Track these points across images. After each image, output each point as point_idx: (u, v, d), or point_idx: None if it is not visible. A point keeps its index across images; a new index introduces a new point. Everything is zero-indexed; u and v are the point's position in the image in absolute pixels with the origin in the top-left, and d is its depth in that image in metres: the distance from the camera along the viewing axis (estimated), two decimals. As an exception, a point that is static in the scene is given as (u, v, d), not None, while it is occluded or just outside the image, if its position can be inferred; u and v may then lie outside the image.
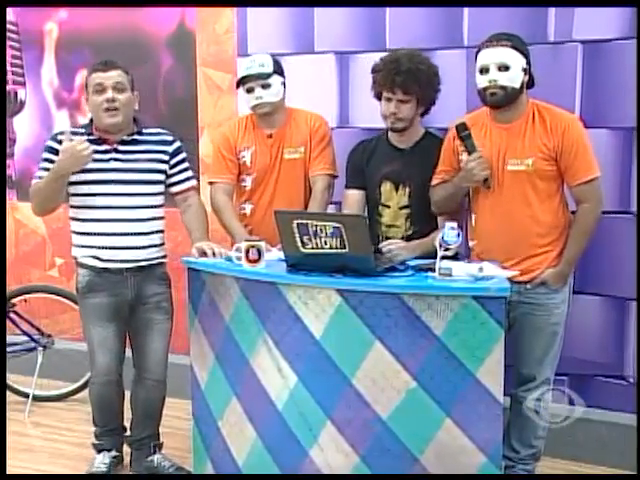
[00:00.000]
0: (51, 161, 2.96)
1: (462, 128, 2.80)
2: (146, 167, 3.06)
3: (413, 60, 2.98)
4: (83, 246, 3.08)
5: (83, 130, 3.04)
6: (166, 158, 3.11)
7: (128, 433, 3.34)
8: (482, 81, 2.78)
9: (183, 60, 4.04)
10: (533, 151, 2.77)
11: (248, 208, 3.39)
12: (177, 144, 3.16)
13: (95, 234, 3.04)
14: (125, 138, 3.04)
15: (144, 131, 3.10)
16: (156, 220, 3.12)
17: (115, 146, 3.03)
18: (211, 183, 3.40)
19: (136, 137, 3.07)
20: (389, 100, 3.02)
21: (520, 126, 2.80)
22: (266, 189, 3.34)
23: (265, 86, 3.20)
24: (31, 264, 4.55)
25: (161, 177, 3.11)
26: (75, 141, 2.87)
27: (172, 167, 3.13)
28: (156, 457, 3.26)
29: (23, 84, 4.47)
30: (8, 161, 4.58)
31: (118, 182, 3.01)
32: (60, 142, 2.94)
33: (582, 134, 2.79)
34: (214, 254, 2.90)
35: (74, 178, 2.97)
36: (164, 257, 3.19)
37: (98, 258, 3.04)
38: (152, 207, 3.09)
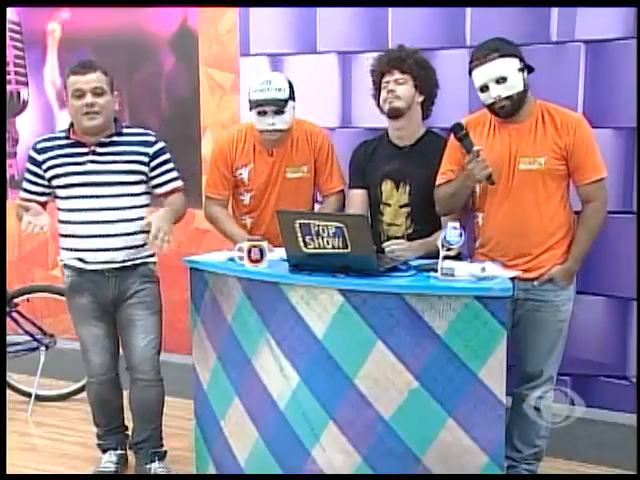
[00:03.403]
0: (32, 172, 3.04)
1: (459, 128, 2.78)
2: (124, 168, 3.01)
3: (404, 46, 3.11)
4: (66, 248, 3.09)
5: (63, 134, 3.04)
6: (146, 160, 3.05)
7: (130, 432, 3.34)
8: (486, 98, 2.79)
9: (185, 60, 4.04)
10: (545, 150, 2.77)
11: (248, 221, 3.35)
12: (159, 145, 3.09)
13: (76, 236, 3.03)
14: (103, 140, 3.00)
15: (124, 131, 3.06)
16: (138, 220, 3.01)
17: (93, 148, 3.00)
18: (206, 196, 3.36)
19: (115, 138, 3.02)
20: (387, 83, 3.06)
21: (530, 125, 2.80)
22: (266, 207, 3.28)
23: (279, 112, 3.11)
24: (34, 264, 4.55)
25: (140, 178, 3.05)
26: (25, 221, 2.81)
27: (153, 169, 3.07)
28: (154, 465, 3.19)
29: (26, 84, 4.48)
30: (11, 161, 4.59)
31: (95, 184, 2.98)
32: (38, 151, 3.02)
33: (590, 133, 2.81)
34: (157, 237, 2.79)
35: (55, 182, 3.01)
36: (150, 256, 3.14)
37: (81, 260, 3.04)
38: (133, 208, 3.04)
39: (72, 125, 3.03)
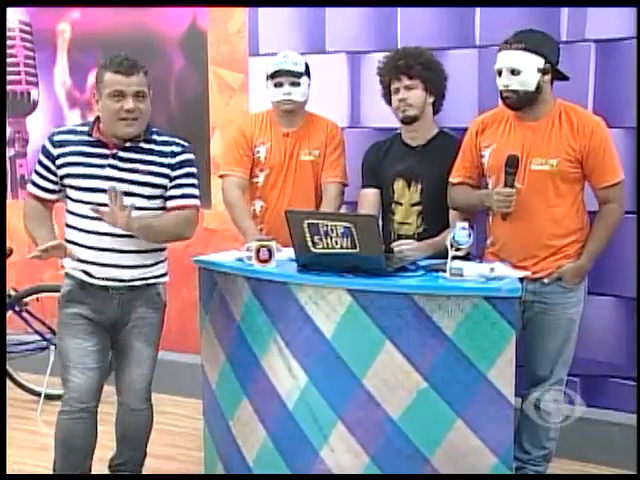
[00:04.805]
0: (43, 165, 2.74)
1: (515, 162, 2.74)
2: (144, 180, 2.70)
3: (411, 47, 3.12)
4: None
5: (86, 129, 2.74)
6: (168, 172, 2.74)
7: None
8: (499, 84, 2.80)
9: (195, 60, 4.05)
10: (559, 152, 2.75)
11: (258, 205, 3.39)
12: (183, 157, 2.77)
13: (82, 245, 2.73)
14: (128, 144, 2.69)
15: (154, 137, 2.76)
16: None
17: (115, 151, 2.69)
18: (222, 176, 3.38)
19: (142, 144, 2.72)
20: (397, 90, 3.07)
21: (546, 125, 2.79)
22: (281, 189, 3.34)
23: (294, 84, 3.24)
24: (44, 263, 4.52)
25: (160, 192, 2.75)
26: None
27: (171, 180, 2.76)
28: None
29: (36, 84, 4.50)
30: (21, 161, 4.61)
31: None
32: (54, 143, 2.72)
33: (608, 136, 2.78)
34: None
35: (68, 182, 2.73)
36: (161, 276, 2.88)
37: (86, 273, 2.75)
38: None
39: (97, 121, 2.74)
